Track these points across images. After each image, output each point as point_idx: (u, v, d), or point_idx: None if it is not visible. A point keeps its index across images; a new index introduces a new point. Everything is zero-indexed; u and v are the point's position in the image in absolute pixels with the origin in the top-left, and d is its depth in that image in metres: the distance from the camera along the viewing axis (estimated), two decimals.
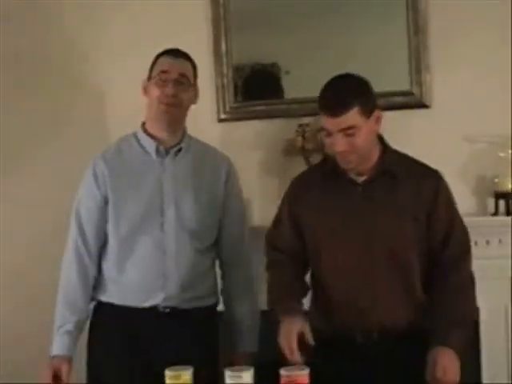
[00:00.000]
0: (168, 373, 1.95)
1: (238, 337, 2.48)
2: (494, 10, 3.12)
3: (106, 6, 3.48)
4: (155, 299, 2.36)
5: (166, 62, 2.44)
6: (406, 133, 3.14)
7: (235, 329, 2.49)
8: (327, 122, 2.14)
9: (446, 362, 2.08)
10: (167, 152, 2.43)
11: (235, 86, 3.41)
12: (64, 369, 2.32)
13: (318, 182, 2.27)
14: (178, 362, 2.01)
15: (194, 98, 2.51)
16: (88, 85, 3.50)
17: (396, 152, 2.30)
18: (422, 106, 3.22)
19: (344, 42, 3.28)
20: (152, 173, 2.41)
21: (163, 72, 2.41)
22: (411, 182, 2.20)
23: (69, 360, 2.36)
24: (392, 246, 2.16)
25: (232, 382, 1.89)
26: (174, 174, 2.42)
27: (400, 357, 2.16)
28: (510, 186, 3.07)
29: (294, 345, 2.07)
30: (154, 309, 2.36)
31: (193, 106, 3.33)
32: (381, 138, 2.27)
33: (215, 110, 3.42)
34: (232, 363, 2.23)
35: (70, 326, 2.37)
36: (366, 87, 2.18)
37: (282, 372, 1.91)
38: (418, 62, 3.21)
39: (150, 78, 2.47)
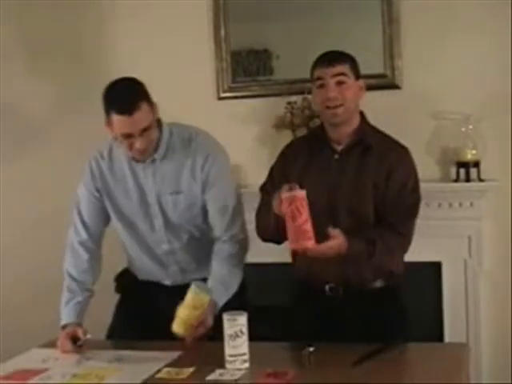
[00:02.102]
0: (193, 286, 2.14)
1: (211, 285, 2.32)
2: (460, 5, 3.38)
3: None
4: (164, 283, 2.54)
5: (122, 123, 2.21)
6: (379, 110, 3.29)
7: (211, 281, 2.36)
8: (323, 72, 2.27)
9: (335, 241, 2.16)
10: (144, 160, 2.39)
11: (233, 69, 3.67)
12: (79, 332, 2.33)
13: (305, 149, 2.40)
14: None
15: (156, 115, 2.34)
16: (92, 74, 3.66)
17: (373, 127, 2.40)
18: (394, 86, 3.48)
19: (327, 30, 3.51)
20: (135, 178, 2.41)
21: (125, 134, 2.25)
22: (378, 152, 2.30)
23: (81, 325, 2.38)
24: (352, 203, 2.29)
25: (229, 325, 1.99)
26: (153, 178, 2.40)
27: (363, 311, 2.28)
28: (469, 157, 3.36)
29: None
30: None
31: (195, 86, 3.67)
32: (362, 113, 2.38)
33: (215, 89, 3.70)
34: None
35: (79, 298, 2.44)
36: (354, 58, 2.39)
37: (284, 194, 2.08)
38: (391, 49, 3.46)
39: (108, 121, 2.26)
